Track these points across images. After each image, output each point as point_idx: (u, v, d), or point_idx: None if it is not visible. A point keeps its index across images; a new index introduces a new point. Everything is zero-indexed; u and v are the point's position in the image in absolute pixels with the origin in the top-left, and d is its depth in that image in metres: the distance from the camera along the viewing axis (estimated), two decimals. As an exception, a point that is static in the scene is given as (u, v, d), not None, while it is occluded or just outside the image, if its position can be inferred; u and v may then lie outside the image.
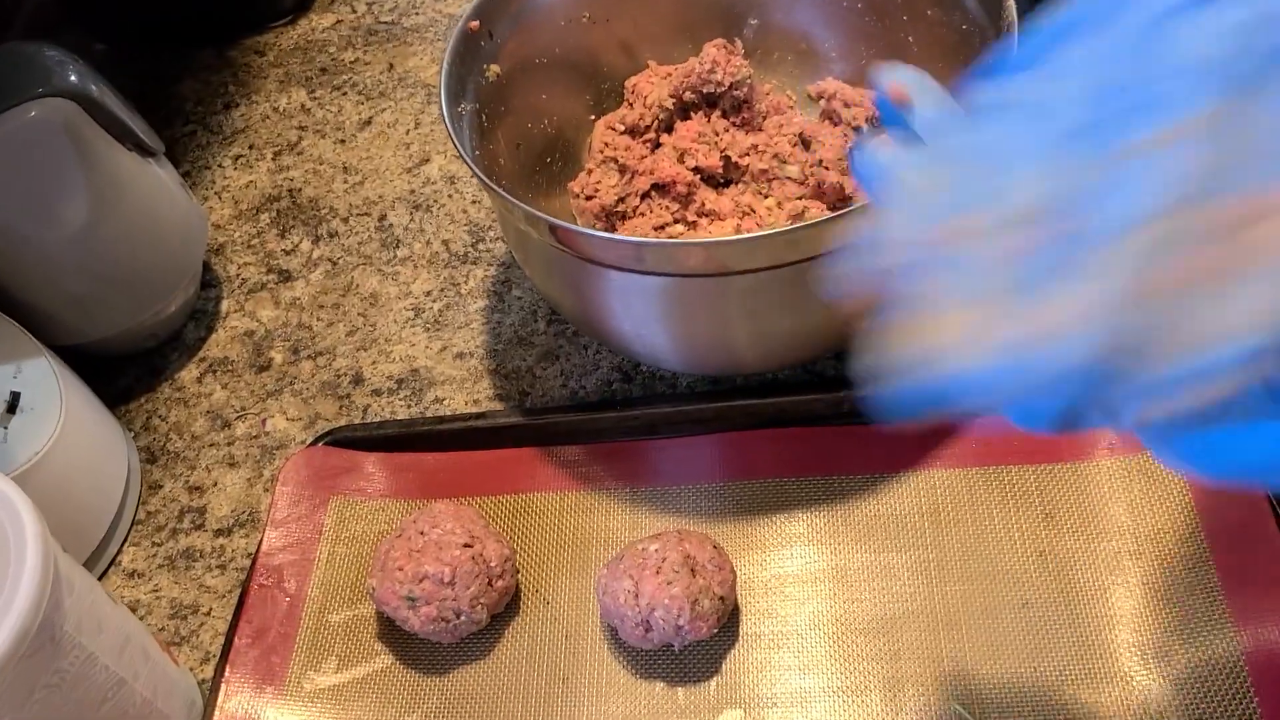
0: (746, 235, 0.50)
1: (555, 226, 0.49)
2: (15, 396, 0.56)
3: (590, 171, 0.63)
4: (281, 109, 0.82)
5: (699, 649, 0.51)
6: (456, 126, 0.53)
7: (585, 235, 0.51)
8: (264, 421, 0.65)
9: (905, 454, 0.56)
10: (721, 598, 0.50)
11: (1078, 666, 0.48)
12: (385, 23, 0.88)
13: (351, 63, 0.85)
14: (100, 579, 0.59)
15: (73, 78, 0.58)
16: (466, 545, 0.52)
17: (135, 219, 0.63)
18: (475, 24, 0.56)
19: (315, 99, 0.83)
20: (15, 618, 0.39)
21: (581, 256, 0.51)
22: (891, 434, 0.56)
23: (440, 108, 0.53)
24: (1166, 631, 0.48)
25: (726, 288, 0.50)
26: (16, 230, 0.59)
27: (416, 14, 0.88)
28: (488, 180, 0.50)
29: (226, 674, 0.52)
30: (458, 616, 0.51)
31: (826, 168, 0.59)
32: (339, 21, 0.88)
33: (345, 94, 0.83)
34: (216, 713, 0.51)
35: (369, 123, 0.80)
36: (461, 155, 0.51)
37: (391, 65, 0.84)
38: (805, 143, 0.61)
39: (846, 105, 0.61)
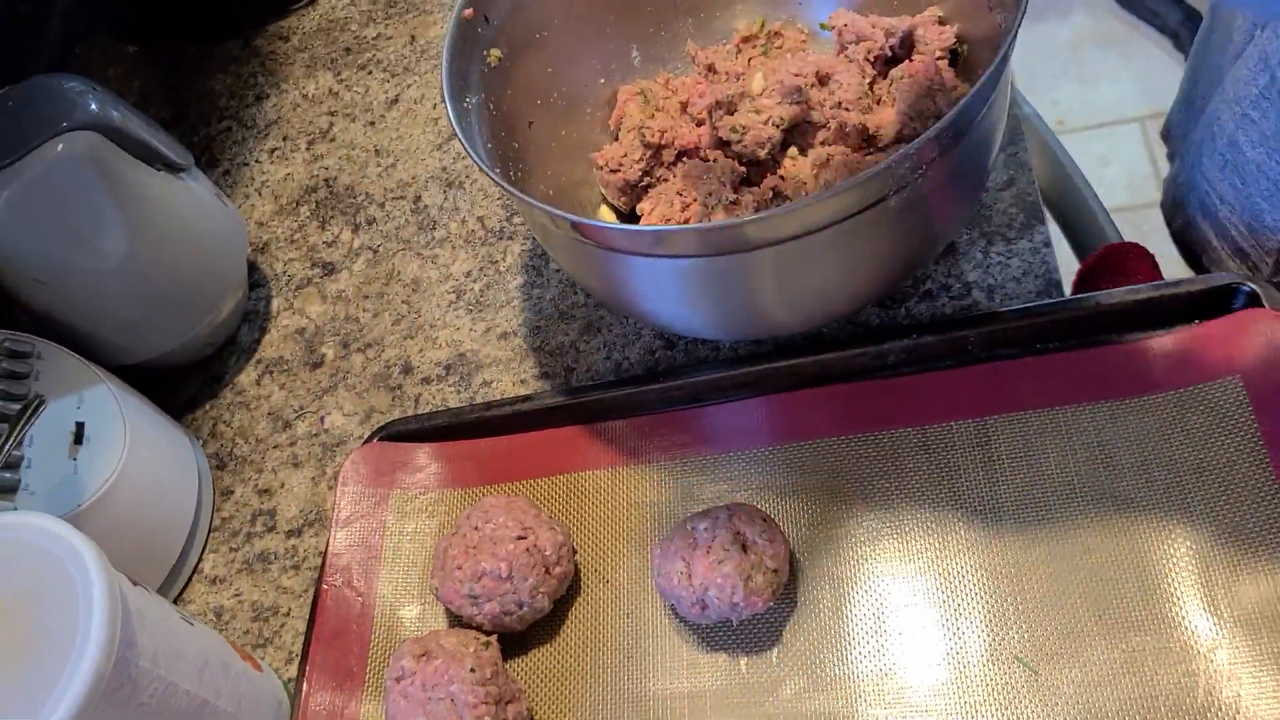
0: (767, 213, 0.48)
1: (577, 224, 0.49)
2: (80, 427, 0.58)
3: (618, 140, 0.62)
4: (310, 95, 0.82)
5: (758, 620, 0.51)
6: (464, 124, 0.52)
7: (605, 229, 0.51)
8: (322, 419, 0.66)
9: (956, 402, 0.54)
10: (775, 570, 0.50)
11: (1142, 613, 0.47)
12: (403, -8, 0.87)
13: (374, 39, 0.84)
14: (185, 588, 0.62)
15: (93, 107, 0.59)
16: (520, 537, 0.52)
17: (173, 238, 0.64)
18: (470, 10, 0.55)
19: (342, 81, 0.82)
20: (89, 664, 0.41)
21: (604, 246, 0.50)
22: (939, 382, 0.55)
23: (447, 113, 0.52)
24: (1234, 571, 0.47)
25: (755, 262, 0.49)
26: (60, 265, 0.60)
27: (433, -21, 0.86)
28: (503, 183, 0.49)
29: (308, 674, 0.55)
30: (520, 608, 0.52)
31: (846, 109, 0.56)
32: (357, -4, 0.88)
33: (370, 73, 0.82)
34: (301, 714, 0.53)
35: (396, 101, 0.80)
36: (475, 160, 0.50)
37: (413, 37, 0.83)
38: (822, 80, 0.58)
39: (857, 40, 0.59)
